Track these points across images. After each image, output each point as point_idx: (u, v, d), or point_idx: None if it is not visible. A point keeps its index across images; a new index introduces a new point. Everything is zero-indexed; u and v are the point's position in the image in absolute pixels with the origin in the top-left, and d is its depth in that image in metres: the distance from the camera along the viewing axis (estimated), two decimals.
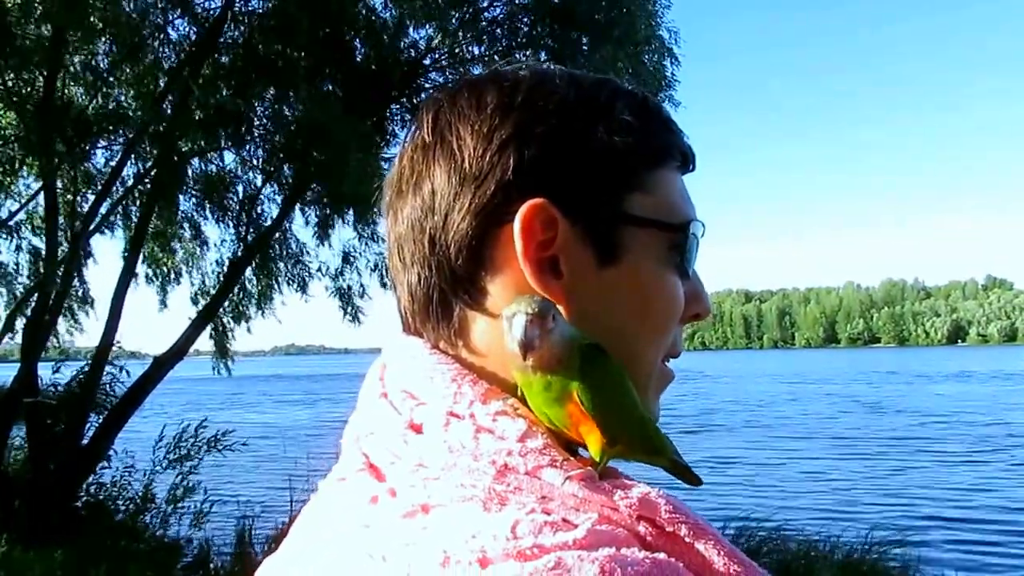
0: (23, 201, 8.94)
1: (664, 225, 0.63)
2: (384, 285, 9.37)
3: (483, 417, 0.56)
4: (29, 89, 7.37)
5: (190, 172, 8.68)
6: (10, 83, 7.13)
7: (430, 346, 0.63)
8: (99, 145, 8.35)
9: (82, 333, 9.82)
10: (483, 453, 0.54)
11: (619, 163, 0.62)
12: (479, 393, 0.58)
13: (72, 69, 7.56)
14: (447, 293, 0.62)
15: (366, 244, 9.25)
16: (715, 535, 0.52)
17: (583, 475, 0.53)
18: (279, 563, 0.62)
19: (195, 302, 9.48)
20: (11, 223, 8.92)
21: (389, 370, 0.64)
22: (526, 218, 0.59)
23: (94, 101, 7.99)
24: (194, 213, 9.30)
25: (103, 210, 8.33)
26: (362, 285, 9.53)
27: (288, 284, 9.51)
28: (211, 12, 7.79)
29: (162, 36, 7.72)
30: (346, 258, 9.43)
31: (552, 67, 0.66)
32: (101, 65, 7.89)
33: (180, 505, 8.06)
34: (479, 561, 0.46)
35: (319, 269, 9.52)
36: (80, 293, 9.39)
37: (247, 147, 8.56)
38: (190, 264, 9.71)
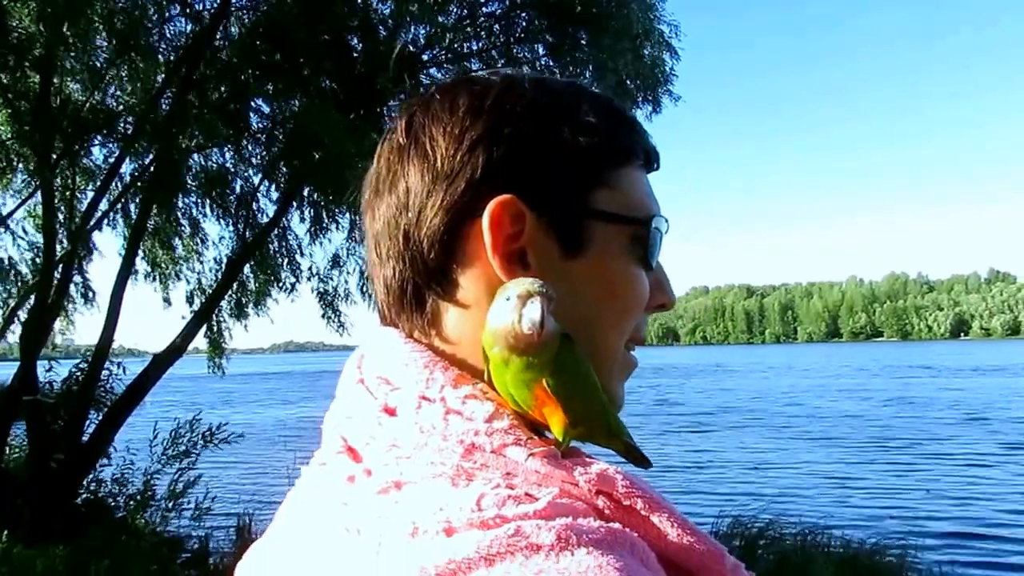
0: (22, 198, 8.96)
1: (627, 219, 0.66)
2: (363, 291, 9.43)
3: (453, 400, 0.59)
4: (26, 86, 7.37)
5: (189, 169, 8.69)
6: (6, 80, 7.12)
7: (405, 336, 0.66)
8: (96, 141, 8.35)
9: (82, 330, 9.83)
10: (452, 433, 0.57)
11: (583, 161, 0.65)
12: (450, 378, 0.61)
13: (69, 65, 7.55)
14: (420, 286, 0.65)
15: (361, 245, 9.25)
16: (670, 508, 0.56)
17: (546, 452, 0.56)
18: (264, 545, 0.65)
19: (194, 300, 9.48)
20: (10, 220, 8.94)
21: (366, 359, 0.68)
22: (495, 213, 0.62)
23: (91, 97, 7.99)
24: (193, 210, 9.31)
25: (102, 207, 8.33)
26: (349, 289, 9.57)
27: (287, 281, 9.54)
28: (209, 9, 7.80)
29: (159, 32, 7.72)
30: (335, 261, 9.46)
31: (522, 73, 0.70)
32: (98, 62, 7.89)
33: (180, 501, 8.10)
34: (445, 531, 0.49)
35: (310, 268, 9.56)
36: (80, 290, 9.38)
37: (245, 144, 8.57)
38: (190, 261, 9.72)
